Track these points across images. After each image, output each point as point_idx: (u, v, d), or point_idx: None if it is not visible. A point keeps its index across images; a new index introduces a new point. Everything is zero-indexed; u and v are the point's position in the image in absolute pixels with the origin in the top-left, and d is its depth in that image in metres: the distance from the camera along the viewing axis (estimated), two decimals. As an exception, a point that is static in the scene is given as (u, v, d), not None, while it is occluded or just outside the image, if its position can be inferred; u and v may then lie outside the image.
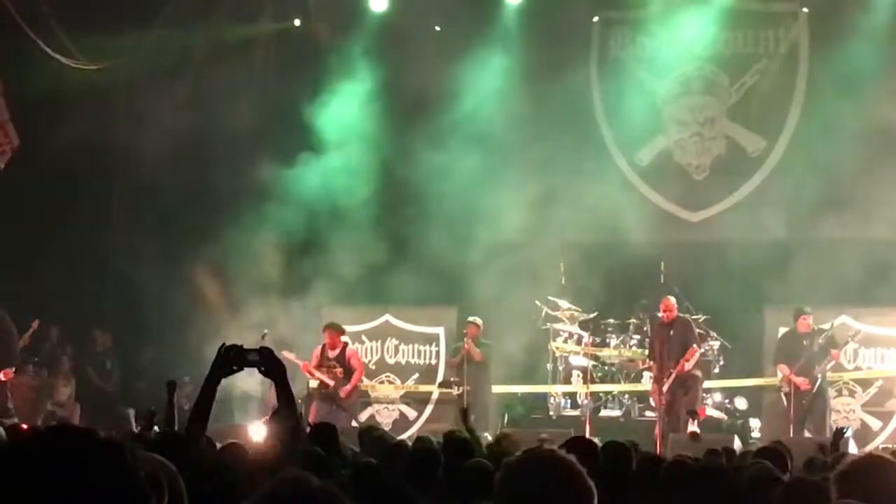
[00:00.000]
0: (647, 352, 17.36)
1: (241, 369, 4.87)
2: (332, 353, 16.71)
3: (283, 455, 5.00)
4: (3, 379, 16.44)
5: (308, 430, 8.66)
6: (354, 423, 17.45)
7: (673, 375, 15.94)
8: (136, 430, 12.38)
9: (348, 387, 16.61)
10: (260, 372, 4.89)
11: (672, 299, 16.44)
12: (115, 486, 2.35)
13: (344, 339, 16.94)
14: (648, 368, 17.47)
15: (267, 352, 4.88)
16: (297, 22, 20.28)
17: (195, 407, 4.98)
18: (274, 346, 5.80)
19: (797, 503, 4.88)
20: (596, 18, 20.01)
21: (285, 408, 4.97)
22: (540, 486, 3.15)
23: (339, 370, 16.67)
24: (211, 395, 4.90)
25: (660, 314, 16.52)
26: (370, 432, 10.37)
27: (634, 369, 17.98)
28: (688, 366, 15.94)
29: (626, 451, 7.45)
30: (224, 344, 4.92)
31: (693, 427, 15.59)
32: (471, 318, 17.42)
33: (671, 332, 16.17)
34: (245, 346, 4.89)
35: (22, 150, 17.88)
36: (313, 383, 17.04)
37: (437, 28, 19.87)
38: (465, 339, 17.24)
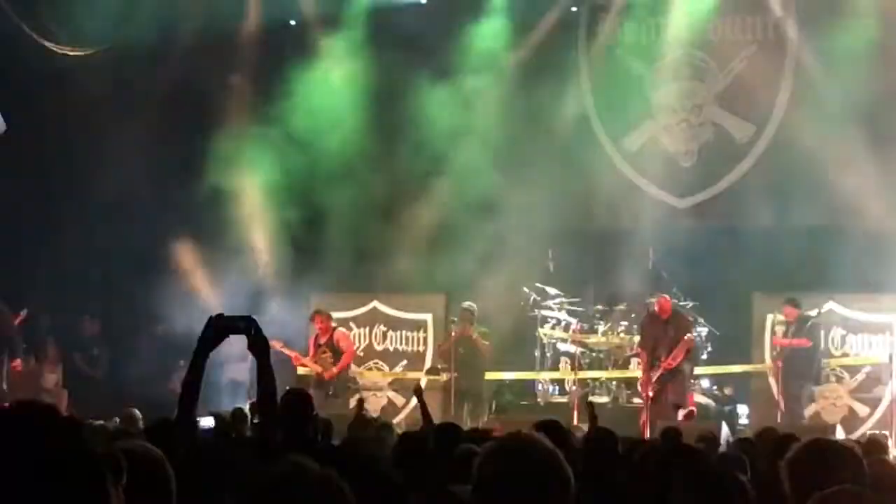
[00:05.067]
0: (635, 339, 17.41)
1: (226, 336, 4.89)
2: (323, 340, 16.80)
3: (263, 435, 4.99)
4: (18, 369, 16.86)
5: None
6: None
7: (660, 370, 15.98)
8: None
9: (334, 369, 16.67)
10: (248, 336, 4.90)
11: (668, 297, 16.44)
12: (70, 463, 2.35)
13: (333, 323, 17.03)
14: (636, 355, 17.50)
15: (252, 320, 4.91)
16: (292, 22, 20.13)
17: (185, 379, 4.97)
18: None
19: None
20: (584, 4, 19.98)
21: (264, 387, 4.97)
22: (517, 471, 3.14)
23: (328, 354, 16.75)
24: (200, 368, 4.91)
25: (654, 308, 16.54)
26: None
27: (622, 356, 18.00)
28: (674, 362, 16.00)
29: (612, 437, 7.48)
30: (212, 316, 4.95)
31: (681, 415, 15.67)
32: (465, 304, 17.44)
33: (667, 328, 16.18)
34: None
35: (8, 135, 17.82)
36: (300, 370, 17.07)
37: (423, 1, 19.83)
38: (454, 325, 17.33)
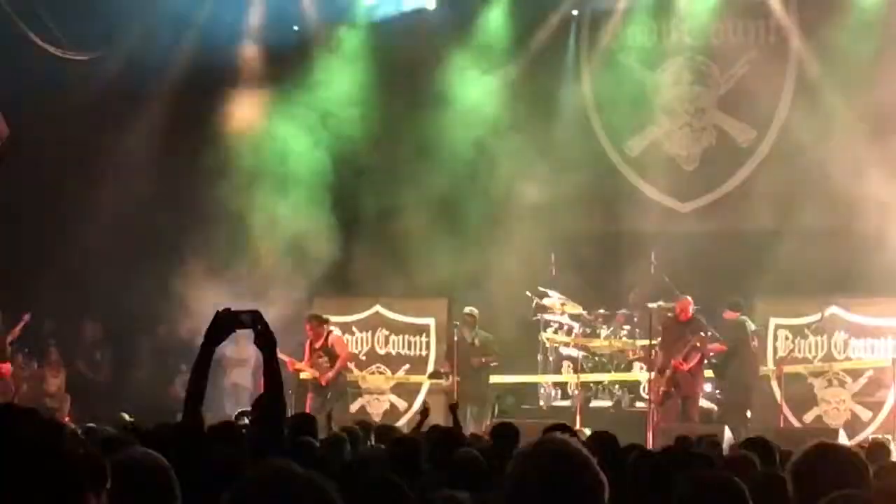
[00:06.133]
0: (637, 343, 17.43)
1: (233, 330, 4.90)
2: (317, 344, 16.80)
3: (267, 433, 4.99)
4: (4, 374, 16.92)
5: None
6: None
7: (669, 371, 15.99)
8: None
9: (330, 374, 16.70)
10: (254, 331, 4.90)
11: (689, 300, 16.43)
12: (49, 466, 2.36)
13: (328, 327, 17.04)
14: (639, 359, 17.50)
15: (259, 314, 4.91)
16: (295, 27, 20.11)
17: (192, 373, 4.97)
18: None
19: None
20: (585, 8, 19.98)
21: (270, 382, 4.97)
22: (552, 476, 3.13)
23: (324, 359, 16.76)
24: (207, 362, 4.91)
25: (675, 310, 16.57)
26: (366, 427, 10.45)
27: (624, 359, 17.99)
28: (686, 364, 16.00)
29: (613, 440, 7.49)
30: (218, 310, 4.95)
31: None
32: (466, 309, 17.46)
33: (683, 332, 16.19)
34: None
35: (11, 140, 17.84)
36: (302, 375, 17.07)
37: (431, 8, 19.86)
38: (456, 329, 17.33)
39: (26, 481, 2.35)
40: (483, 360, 17.29)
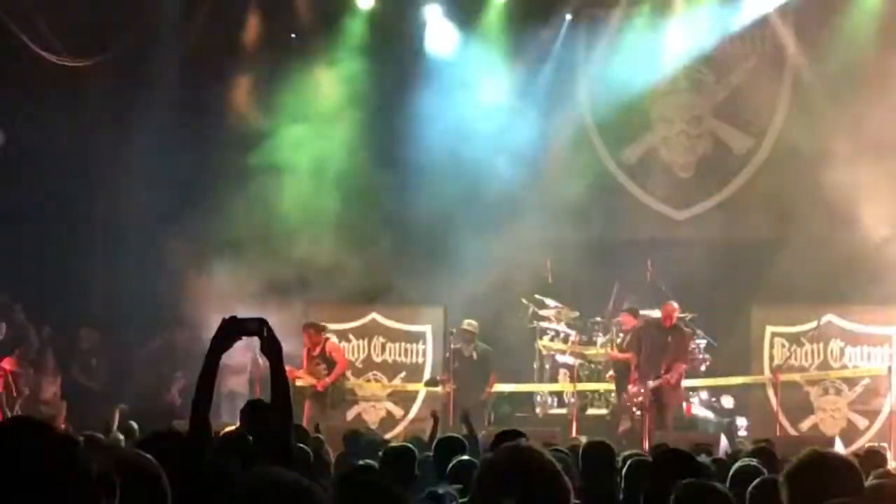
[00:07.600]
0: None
1: (239, 338, 4.90)
2: (315, 352, 16.87)
3: (278, 437, 4.99)
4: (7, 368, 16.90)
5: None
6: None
7: (658, 381, 15.99)
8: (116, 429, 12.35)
9: (327, 380, 16.75)
10: (260, 338, 4.90)
11: (675, 305, 16.45)
12: (65, 481, 2.35)
13: (326, 335, 17.08)
14: (635, 367, 17.50)
15: (265, 322, 4.91)
16: (293, 35, 20.13)
17: (199, 381, 4.96)
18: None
19: None
20: (583, 16, 19.99)
21: (277, 389, 4.96)
22: (517, 484, 3.14)
23: (322, 367, 16.84)
24: (214, 369, 4.91)
25: (658, 316, 16.56)
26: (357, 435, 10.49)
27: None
28: (672, 380, 16.03)
29: (609, 450, 7.50)
30: (225, 318, 4.95)
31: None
32: (464, 324, 17.40)
33: (668, 339, 16.19)
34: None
35: (6, 146, 17.84)
36: (298, 382, 17.08)
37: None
38: (453, 337, 17.33)
39: (42, 497, 2.35)
40: (488, 391, 17.24)
